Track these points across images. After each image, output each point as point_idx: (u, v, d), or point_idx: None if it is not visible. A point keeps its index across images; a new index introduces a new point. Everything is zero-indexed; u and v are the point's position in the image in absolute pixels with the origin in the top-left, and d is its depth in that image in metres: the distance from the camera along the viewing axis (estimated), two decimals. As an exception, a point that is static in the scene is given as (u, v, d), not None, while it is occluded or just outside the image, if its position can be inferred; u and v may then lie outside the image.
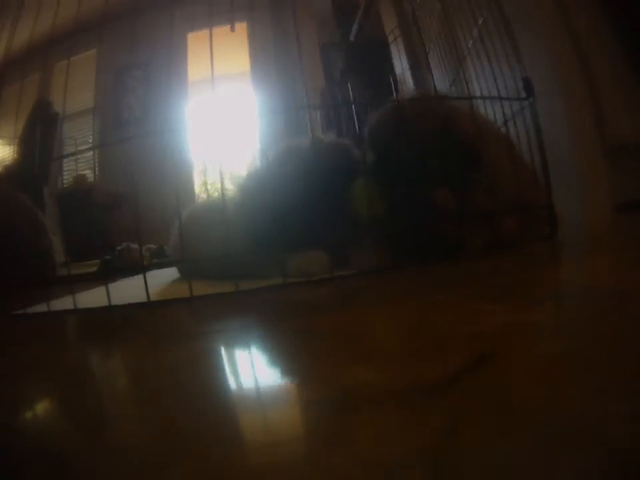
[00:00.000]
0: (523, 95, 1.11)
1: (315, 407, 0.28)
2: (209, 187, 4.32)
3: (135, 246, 2.12)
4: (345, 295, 0.75)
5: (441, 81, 1.78)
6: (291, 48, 3.69)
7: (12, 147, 2.54)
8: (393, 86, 1.96)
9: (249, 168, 1.25)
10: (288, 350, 0.44)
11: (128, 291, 1.12)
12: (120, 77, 3.72)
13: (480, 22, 1.20)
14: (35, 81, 3.44)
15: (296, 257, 0.94)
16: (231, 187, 4.47)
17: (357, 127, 1.08)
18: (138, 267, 2.00)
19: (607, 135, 1.41)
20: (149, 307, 0.86)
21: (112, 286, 1.13)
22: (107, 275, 1.84)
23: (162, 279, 1.45)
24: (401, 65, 2.28)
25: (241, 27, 3.80)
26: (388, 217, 0.93)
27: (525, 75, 1.12)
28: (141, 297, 0.89)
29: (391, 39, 2.27)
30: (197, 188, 3.94)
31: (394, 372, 0.32)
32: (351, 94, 2.47)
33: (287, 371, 0.37)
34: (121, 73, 3.71)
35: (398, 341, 0.41)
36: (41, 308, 0.94)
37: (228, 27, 3.50)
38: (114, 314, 0.85)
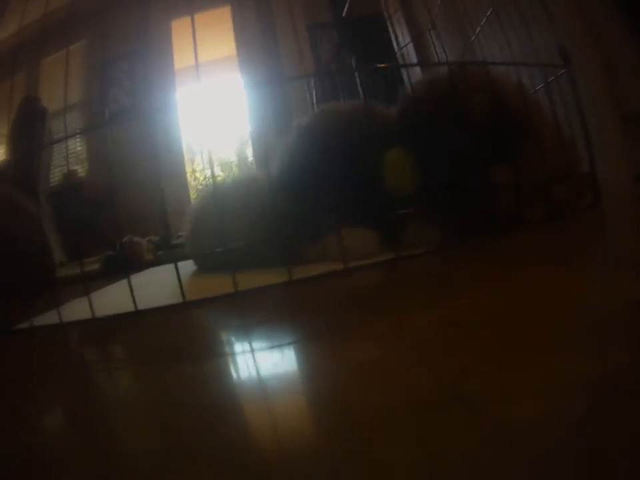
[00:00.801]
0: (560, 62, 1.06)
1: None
2: (197, 175, 4.29)
3: (138, 239, 2.04)
4: (437, 275, 0.68)
5: (451, 50, 1.73)
6: (277, 30, 3.61)
7: (2, 145, 2.46)
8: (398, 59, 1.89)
9: (276, 143, 1.13)
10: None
11: (150, 290, 1.04)
12: (105, 70, 3.62)
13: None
14: (21, 78, 3.36)
15: (344, 236, 0.85)
16: (220, 174, 4.43)
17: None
18: (146, 261, 1.96)
19: (622, 102, 1.36)
20: (187, 309, 0.76)
21: (122, 285, 1.03)
22: (111, 271, 1.76)
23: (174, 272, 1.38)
24: (403, 38, 2.22)
25: (225, 11, 3.70)
26: (441, 193, 0.86)
27: (561, 43, 1.07)
28: (171, 296, 0.81)
29: (392, 11, 2.20)
30: (189, 175, 3.90)
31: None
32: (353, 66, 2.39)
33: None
34: (106, 65, 3.61)
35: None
36: (50, 318, 0.81)
37: (212, 11, 3.43)
38: (149, 322, 0.72)
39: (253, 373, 0.40)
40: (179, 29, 3.58)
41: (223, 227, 1.09)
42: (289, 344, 0.45)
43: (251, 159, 4.16)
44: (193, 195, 3.80)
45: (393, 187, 0.88)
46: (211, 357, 0.46)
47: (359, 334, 0.43)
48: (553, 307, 0.39)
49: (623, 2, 1.48)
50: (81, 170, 3.59)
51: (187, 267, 1.34)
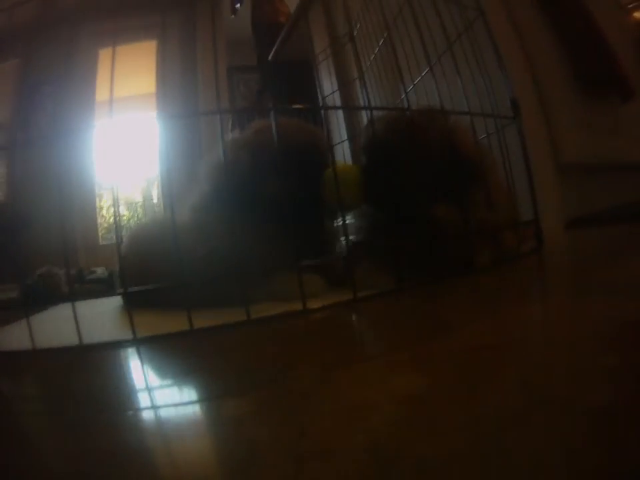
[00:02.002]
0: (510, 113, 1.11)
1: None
2: (104, 213, 4.13)
3: (56, 270, 1.91)
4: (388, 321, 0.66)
5: (382, 101, 1.77)
6: (198, 70, 3.60)
7: None
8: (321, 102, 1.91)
9: (204, 161, 1.08)
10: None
11: (88, 324, 0.96)
12: (30, 93, 3.45)
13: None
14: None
15: (281, 280, 0.84)
16: (125, 212, 4.30)
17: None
18: (62, 294, 1.83)
19: (560, 154, 1.45)
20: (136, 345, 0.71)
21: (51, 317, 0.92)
22: (28, 302, 1.63)
23: (100, 308, 1.30)
24: (331, 86, 2.25)
25: (151, 45, 3.65)
26: (389, 230, 0.86)
27: (513, 95, 1.12)
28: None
29: (321, 58, 2.24)
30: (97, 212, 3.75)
31: None
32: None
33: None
34: (31, 88, 3.44)
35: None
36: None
37: (138, 44, 3.36)
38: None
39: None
40: (106, 58, 3.48)
41: (153, 265, 1.03)
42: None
43: (156, 200, 4.09)
44: (100, 232, 3.66)
45: (332, 204, 0.86)
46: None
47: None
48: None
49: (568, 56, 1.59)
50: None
51: (105, 303, 1.33)
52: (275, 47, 2.86)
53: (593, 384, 0.30)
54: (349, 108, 2.49)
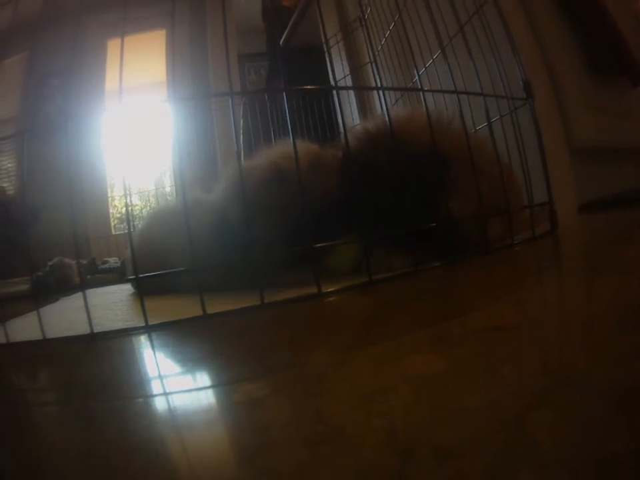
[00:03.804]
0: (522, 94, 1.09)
1: None
2: (116, 203, 4.15)
3: (68, 260, 1.92)
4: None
5: (391, 81, 1.76)
6: (209, 57, 3.58)
7: None
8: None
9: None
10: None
11: (99, 313, 0.96)
12: (38, 86, 3.45)
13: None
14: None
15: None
16: (138, 202, 4.33)
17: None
18: (75, 285, 1.84)
19: (572, 137, 1.44)
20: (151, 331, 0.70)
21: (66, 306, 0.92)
22: (39, 293, 1.64)
23: (112, 297, 1.30)
24: (343, 70, 2.24)
25: (160, 34, 3.63)
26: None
27: (525, 76, 1.10)
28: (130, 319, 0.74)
29: (332, 42, 2.22)
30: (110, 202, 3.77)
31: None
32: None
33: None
34: (39, 81, 3.44)
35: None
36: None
37: (147, 33, 3.36)
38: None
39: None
40: (115, 48, 3.48)
41: (167, 250, 1.03)
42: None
43: (168, 189, 4.09)
44: (113, 222, 3.67)
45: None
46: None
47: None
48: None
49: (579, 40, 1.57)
50: (9, 188, 3.39)
51: (117, 293, 1.33)
52: (285, 32, 2.84)
53: (612, 363, 0.29)
54: (360, 88, 2.48)
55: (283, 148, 0.98)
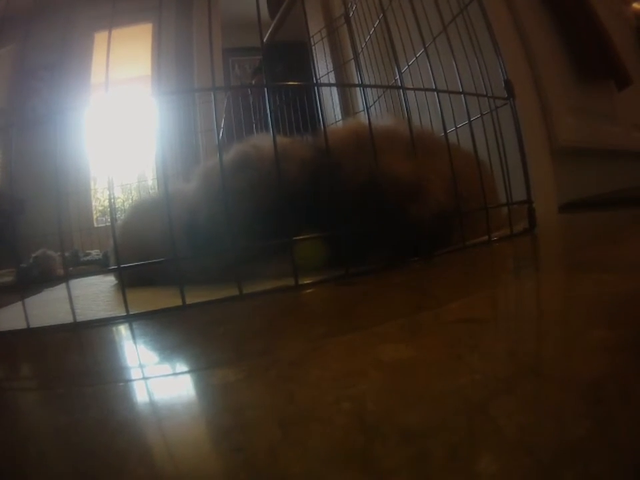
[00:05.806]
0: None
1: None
2: (99, 196, 4.11)
3: (51, 252, 1.92)
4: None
5: (374, 79, 1.77)
6: (194, 52, 3.57)
7: None
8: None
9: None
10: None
11: (82, 303, 0.97)
12: (27, 78, 3.41)
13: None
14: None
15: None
16: (120, 195, 4.29)
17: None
18: (58, 276, 1.83)
19: (554, 137, 1.45)
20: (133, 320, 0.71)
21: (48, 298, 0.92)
22: (25, 284, 1.63)
23: (95, 288, 1.30)
24: (327, 66, 2.25)
25: (146, 28, 3.61)
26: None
27: (506, 76, 1.11)
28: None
29: (317, 39, 2.23)
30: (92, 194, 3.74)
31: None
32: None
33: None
34: (28, 74, 3.40)
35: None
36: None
37: (135, 27, 3.33)
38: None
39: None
40: (102, 41, 3.45)
41: (148, 241, 1.03)
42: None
43: (150, 182, 4.06)
44: (95, 215, 3.65)
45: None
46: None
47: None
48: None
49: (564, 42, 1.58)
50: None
51: (100, 284, 1.33)
52: (270, 28, 2.84)
53: (582, 356, 0.30)
54: (341, 85, 2.49)
55: (254, 140, 0.99)
